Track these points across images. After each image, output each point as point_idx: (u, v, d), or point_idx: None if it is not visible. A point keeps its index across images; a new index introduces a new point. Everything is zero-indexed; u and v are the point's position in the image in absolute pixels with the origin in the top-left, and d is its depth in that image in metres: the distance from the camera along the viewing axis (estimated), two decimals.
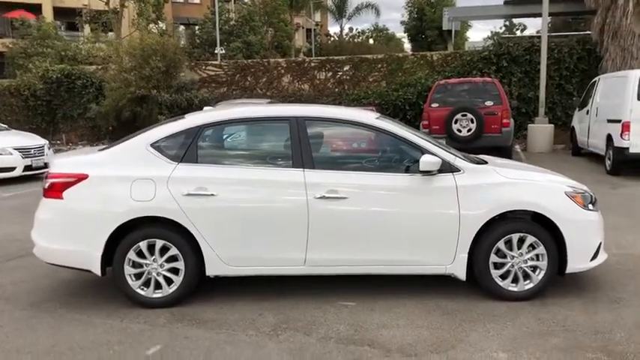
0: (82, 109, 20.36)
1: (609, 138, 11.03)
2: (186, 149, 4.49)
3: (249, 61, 21.03)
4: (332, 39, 57.35)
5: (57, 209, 4.44)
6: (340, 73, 19.18)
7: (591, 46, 16.65)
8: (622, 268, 5.21)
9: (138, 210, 4.35)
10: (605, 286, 4.77)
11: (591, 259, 4.55)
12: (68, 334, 4.02)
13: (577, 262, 4.49)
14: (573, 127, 14.26)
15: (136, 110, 18.29)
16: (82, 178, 4.41)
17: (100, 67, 21.16)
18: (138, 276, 4.45)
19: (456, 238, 4.40)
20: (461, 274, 4.48)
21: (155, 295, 4.46)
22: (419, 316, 4.23)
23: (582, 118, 13.32)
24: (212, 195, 4.36)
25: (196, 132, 4.53)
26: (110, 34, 32.49)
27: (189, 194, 4.35)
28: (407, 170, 4.50)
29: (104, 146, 5.01)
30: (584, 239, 4.50)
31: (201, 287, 4.65)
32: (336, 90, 19.09)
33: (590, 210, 4.56)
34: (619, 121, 10.55)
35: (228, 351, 3.70)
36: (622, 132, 10.43)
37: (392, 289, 4.72)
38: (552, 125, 15.51)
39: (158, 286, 4.46)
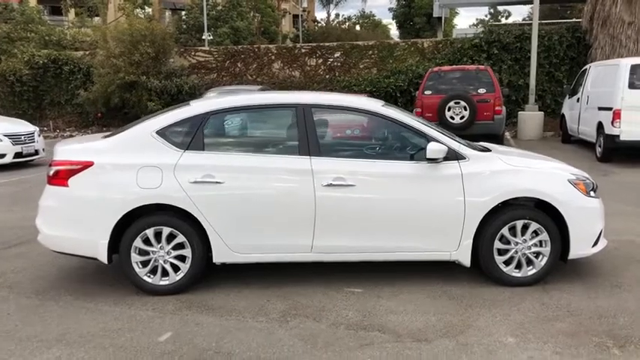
0: (69, 95, 20.12)
1: (600, 125, 11.15)
2: (193, 136, 4.48)
3: (240, 47, 20.87)
4: (319, 25, 57.09)
5: (62, 197, 4.42)
6: (331, 60, 19.13)
7: (581, 34, 16.76)
8: (619, 254, 5.30)
9: (145, 197, 4.34)
10: (605, 272, 4.86)
11: (593, 246, 4.63)
12: (77, 321, 4.01)
13: (579, 248, 4.56)
14: (563, 114, 14.39)
15: (125, 96, 18.13)
16: (87, 165, 4.38)
17: (87, 52, 20.88)
18: (144, 263, 4.45)
19: (461, 224, 4.45)
20: (465, 260, 4.53)
21: (162, 283, 4.47)
22: (425, 301, 4.29)
23: (573, 106, 13.44)
24: (219, 182, 4.36)
25: (202, 119, 4.52)
26: (96, 18, 32.05)
27: (196, 182, 4.35)
28: (413, 158, 4.53)
29: (108, 133, 4.98)
30: (587, 226, 4.57)
31: (206, 275, 4.66)
32: (327, 77, 19.05)
33: (592, 197, 4.63)
34: (610, 108, 10.66)
35: (240, 337, 3.73)
36: (613, 119, 10.55)
37: (397, 275, 4.77)
38: (542, 113, 15.63)
39: (165, 273, 4.47)
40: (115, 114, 19.03)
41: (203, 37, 32.31)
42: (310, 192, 4.38)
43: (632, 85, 10.45)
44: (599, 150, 11.21)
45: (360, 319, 3.99)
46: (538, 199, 4.51)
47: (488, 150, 4.87)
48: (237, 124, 4.79)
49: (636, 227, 6.21)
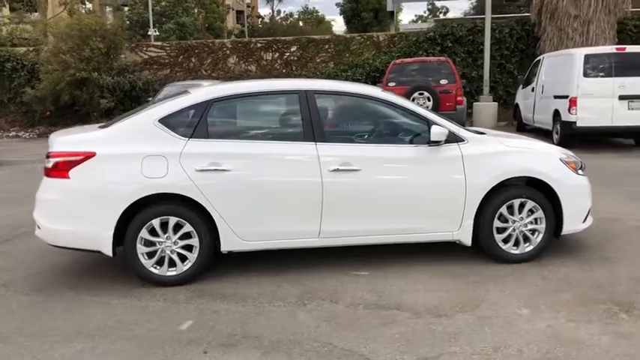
0: (12, 94, 19.26)
1: (557, 113, 11.64)
2: (196, 124, 4.42)
3: (194, 42, 20.58)
4: (263, 21, 56.74)
5: (63, 189, 4.28)
6: (287, 54, 19.13)
7: (530, 26, 17.40)
8: (599, 231, 5.57)
9: (150, 187, 4.26)
10: (591, 247, 5.12)
11: (583, 221, 4.87)
12: (88, 315, 3.91)
13: (572, 224, 4.79)
14: (517, 104, 14.92)
15: (76, 94, 17.52)
16: (89, 156, 4.26)
17: (31, 48, 20.04)
18: (150, 255, 4.37)
19: (462, 205, 4.59)
20: (467, 240, 4.68)
21: (169, 274, 4.40)
22: (432, 281, 4.40)
23: (527, 95, 13.96)
24: (226, 170, 4.33)
25: (205, 107, 4.47)
26: (35, 14, 30.74)
27: (202, 170, 4.30)
28: (414, 141, 4.63)
29: (104, 123, 4.85)
30: (578, 202, 4.80)
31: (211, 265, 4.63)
32: (284, 71, 19.04)
33: (581, 175, 4.87)
34: (567, 96, 11.15)
35: (262, 322, 3.73)
36: (570, 107, 11.04)
37: (399, 257, 4.87)
38: (496, 103, 16.15)
39: (172, 264, 4.40)
40: (63, 112, 18.35)
41: (149, 33, 31.60)
42: (317, 178, 4.41)
43: (586, 74, 10.97)
44: (556, 137, 11.69)
45: (376, 300, 4.06)
46: (534, 177, 4.69)
47: (483, 133, 5.03)
48: (239, 111, 4.76)
49: (607, 206, 6.54)
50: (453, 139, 4.60)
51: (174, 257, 4.39)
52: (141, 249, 4.33)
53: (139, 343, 3.46)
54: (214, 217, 4.35)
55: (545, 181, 4.68)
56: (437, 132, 4.47)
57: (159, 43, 20.70)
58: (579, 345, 3.31)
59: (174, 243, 4.37)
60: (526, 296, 4.05)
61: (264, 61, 19.29)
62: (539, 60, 13.56)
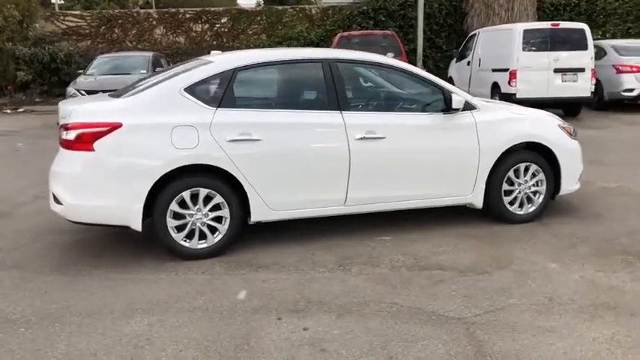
0: None
1: (495, 85, 12.28)
2: (223, 93, 4.33)
3: (116, 11, 19.53)
4: None
5: (88, 162, 4.05)
6: (218, 26, 18.67)
7: (457, 2, 18.06)
8: (579, 192, 5.94)
9: (182, 158, 4.14)
10: (580, 207, 5.53)
11: (576, 183, 5.28)
12: (134, 291, 3.77)
13: (568, 184, 5.18)
14: (451, 77, 15.53)
15: None
16: (115, 126, 4.05)
17: None
18: (179, 228, 4.26)
19: (476, 170, 4.83)
20: (479, 203, 4.94)
21: (200, 246, 4.32)
22: (456, 242, 4.62)
23: (461, 69, 14.56)
24: (257, 140, 4.28)
25: (231, 75, 4.37)
26: None
27: (233, 140, 4.23)
28: (433, 109, 4.79)
29: (115, 92, 4.61)
30: (573, 165, 5.18)
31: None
32: (214, 43, 18.59)
33: (574, 139, 5.26)
34: (506, 69, 11.78)
35: (317, 288, 3.78)
36: (509, 79, 11.68)
37: (416, 222, 5.04)
38: None
39: (201, 236, 4.32)
40: None
41: (52, 1, 29.53)
42: (344, 146, 4.47)
43: (524, 48, 11.64)
44: None
45: (414, 262, 4.22)
46: (538, 142, 5.01)
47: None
48: (264, 79, 4.69)
49: None
50: (467, 107, 4.81)
51: (205, 229, 4.30)
52: (171, 222, 4.21)
53: (205, 315, 3.41)
54: (245, 188, 4.30)
55: (548, 145, 5.01)
56: (457, 99, 4.65)
57: (78, 12, 19.50)
58: (618, 291, 3.65)
59: (205, 215, 4.28)
60: (547, 252, 4.37)
61: (193, 32, 18.74)
62: (475, 35, 14.16)
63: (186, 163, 4.16)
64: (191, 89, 4.27)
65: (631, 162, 7.62)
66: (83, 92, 12.40)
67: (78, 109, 4.17)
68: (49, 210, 5.64)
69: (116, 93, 4.59)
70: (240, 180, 4.28)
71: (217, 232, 4.34)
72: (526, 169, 5.01)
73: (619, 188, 6.27)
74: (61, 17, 18.54)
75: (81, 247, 4.70)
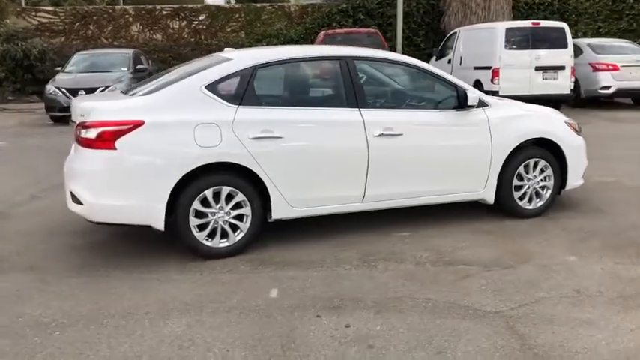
0: None
1: (478, 83, 12.44)
2: (244, 91, 4.29)
3: (91, 7, 19.12)
4: None
5: (109, 161, 3.97)
6: (196, 23, 18.46)
7: (435, 1, 18.25)
8: (579, 188, 6.01)
9: (205, 157, 4.10)
10: (580, 202, 5.64)
11: (581, 178, 5.41)
12: (163, 292, 3.72)
13: (574, 180, 5.31)
14: None
15: None
16: (137, 125, 3.99)
17: None
18: (201, 227, 4.21)
19: (489, 166, 4.91)
20: (490, 198, 5.02)
21: (222, 245, 4.28)
22: (473, 237, 4.69)
23: (442, 67, 14.62)
24: (278, 137, 4.27)
25: (251, 73, 4.34)
26: None
27: (256, 138, 4.20)
28: (447, 107, 4.85)
29: (128, 89, 4.52)
30: (579, 161, 5.31)
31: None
32: (192, 40, 18.38)
33: (580, 136, 5.39)
34: (489, 67, 11.99)
35: (348, 284, 3.79)
36: (492, 77, 11.89)
37: (430, 218, 5.07)
38: None
39: (223, 235, 4.28)
40: None
41: None
42: (364, 143, 4.49)
43: (507, 47, 11.86)
44: None
45: (437, 257, 4.27)
46: (547, 139, 5.11)
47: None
48: (283, 77, 4.68)
49: None
50: (480, 103, 4.88)
51: (227, 228, 4.27)
52: (193, 221, 4.16)
53: (243, 314, 3.38)
54: (267, 185, 4.29)
55: (556, 141, 5.13)
56: (473, 97, 4.73)
57: (51, 8, 19.03)
58: None
59: (227, 213, 4.25)
60: (562, 246, 4.47)
61: (170, 29, 18.48)
62: (455, 33, 14.34)
63: (210, 161, 4.12)
64: (212, 87, 4.23)
65: (620, 157, 7.83)
66: (64, 90, 12.18)
67: (98, 107, 4.09)
68: (49, 210, 5.57)
69: (126, 90, 4.51)
70: (261, 177, 4.26)
71: (239, 231, 4.31)
72: (535, 165, 5.12)
73: (614, 183, 6.44)
74: (33, 13, 18.06)
75: (92, 248, 4.61)
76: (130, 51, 14.42)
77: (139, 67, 13.90)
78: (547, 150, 5.16)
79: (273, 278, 3.92)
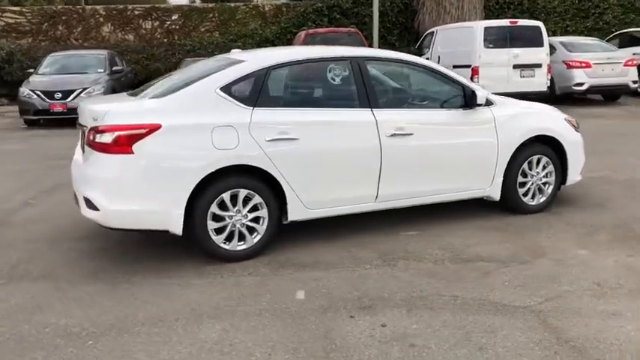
0: None
1: None
2: (259, 93, 4.27)
3: (60, 7, 18.63)
4: None
5: (127, 166, 3.90)
6: (169, 23, 18.21)
7: (408, 0, 18.43)
8: (571, 185, 6.18)
9: (223, 159, 4.06)
10: (579, 197, 5.77)
11: (579, 173, 5.55)
12: (188, 297, 3.67)
13: (573, 175, 5.44)
14: None
15: None
16: (154, 128, 3.92)
17: None
18: (218, 230, 4.17)
19: (495, 163, 5.00)
20: (496, 195, 5.11)
21: (239, 248, 4.25)
22: (483, 234, 4.76)
23: None
24: (295, 139, 4.26)
25: (265, 74, 4.32)
26: None
27: (272, 139, 4.19)
28: (455, 106, 4.91)
29: (133, 92, 4.45)
30: (578, 157, 5.45)
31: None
32: (165, 40, 18.12)
33: (578, 132, 5.53)
34: (468, 66, 12.18)
35: (372, 284, 3.81)
36: (472, 75, 12.07)
37: (436, 216, 5.14)
38: None
39: (240, 238, 4.25)
40: None
41: None
42: (377, 143, 4.52)
43: (486, 45, 12.06)
44: None
45: (453, 255, 4.32)
46: (549, 136, 5.22)
47: None
48: (295, 78, 4.67)
49: None
50: (486, 102, 4.96)
51: (244, 231, 4.24)
52: (211, 224, 4.12)
53: (275, 317, 3.36)
54: (284, 187, 4.27)
55: (558, 138, 5.25)
56: (481, 95, 4.80)
57: (17, 8, 18.50)
58: None
59: (245, 216, 4.22)
60: (571, 240, 4.58)
61: (143, 30, 18.17)
62: (433, 32, 14.51)
63: (228, 164, 4.08)
64: (227, 88, 4.19)
65: (604, 151, 8.05)
66: (39, 93, 11.88)
67: (114, 111, 4.00)
68: (47, 216, 5.46)
69: (132, 93, 4.45)
70: (278, 179, 4.24)
71: (256, 233, 4.29)
72: (538, 162, 5.23)
73: (605, 177, 6.61)
74: None
75: (101, 253, 4.51)
76: (105, 52, 14.13)
77: (115, 68, 13.65)
78: (549, 147, 5.27)
79: (296, 280, 3.91)
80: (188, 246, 4.33)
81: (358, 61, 4.60)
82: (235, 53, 5.11)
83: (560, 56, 13.61)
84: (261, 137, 4.15)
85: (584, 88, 13.29)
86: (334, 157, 4.41)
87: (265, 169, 4.19)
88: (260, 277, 3.99)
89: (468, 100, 4.85)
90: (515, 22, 12.56)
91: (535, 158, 5.20)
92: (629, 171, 6.83)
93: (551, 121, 5.32)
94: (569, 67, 13.35)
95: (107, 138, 3.89)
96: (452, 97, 4.95)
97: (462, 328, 3.18)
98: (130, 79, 15.15)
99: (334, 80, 4.70)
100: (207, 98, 4.14)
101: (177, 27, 18.19)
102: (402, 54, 5.06)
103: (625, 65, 13.36)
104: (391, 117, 4.60)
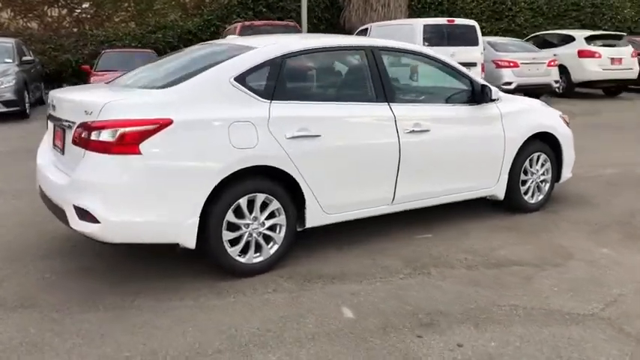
0: None
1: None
2: (275, 84, 3.77)
3: None
4: None
5: (133, 169, 3.26)
6: (79, 11, 16.77)
7: None
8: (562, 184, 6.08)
9: (242, 160, 3.53)
10: (570, 195, 5.69)
11: (571, 170, 5.53)
12: (216, 321, 3.12)
13: (567, 171, 5.40)
14: None
15: None
16: (165, 124, 3.32)
17: None
18: (233, 241, 3.64)
19: (502, 161, 4.82)
20: (501, 194, 4.94)
21: (255, 260, 3.73)
22: (499, 236, 4.54)
23: None
24: (316, 136, 3.81)
25: (280, 63, 3.82)
26: None
27: (293, 137, 3.71)
28: (465, 101, 4.67)
29: (127, 79, 3.80)
30: (571, 153, 5.40)
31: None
32: (75, 30, 16.66)
33: (569, 128, 5.50)
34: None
35: (416, 296, 3.46)
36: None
37: (444, 218, 4.86)
38: None
39: (257, 249, 3.74)
40: None
41: None
42: (395, 140, 4.18)
43: (425, 43, 12.06)
44: None
45: (481, 259, 4.06)
46: (548, 132, 5.12)
47: None
48: (310, 68, 4.19)
49: None
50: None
51: (261, 240, 3.73)
52: (226, 235, 3.58)
53: (334, 341, 2.92)
54: (303, 190, 3.81)
55: (556, 135, 5.17)
56: (495, 91, 4.59)
57: None
58: None
59: (262, 224, 3.71)
60: (588, 240, 4.47)
61: (48, 17, 16.59)
62: (366, 29, 14.35)
63: (247, 165, 3.55)
64: (241, 79, 3.66)
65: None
66: None
67: (114, 103, 3.33)
68: (18, 229, 4.67)
69: (114, 82, 3.81)
70: (298, 181, 3.77)
71: (272, 243, 3.79)
72: (537, 159, 5.12)
73: (586, 173, 6.47)
74: None
75: (84, 273, 3.82)
76: (12, 40, 12.66)
77: (25, 58, 12.28)
78: (546, 143, 5.18)
79: (330, 295, 3.47)
80: (184, 259, 3.76)
81: (374, 52, 4.22)
82: (232, 39, 4.54)
83: (490, 56, 13.93)
84: (281, 134, 3.66)
85: (512, 87, 13.66)
86: (356, 156, 4.01)
87: (286, 170, 3.70)
88: (287, 293, 3.50)
89: (479, 95, 4.63)
90: (453, 21, 12.70)
91: (535, 156, 5.08)
92: (600, 169, 6.89)
93: (550, 118, 5.23)
94: (498, 66, 13.71)
95: (108, 136, 3.23)
96: (462, 91, 4.70)
97: (544, 343, 2.91)
98: (40, 71, 13.76)
99: (351, 72, 4.30)
100: (221, 90, 3.58)
101: (89, 16, 16.78)
102: (420, 47, 4.75)
103: (548, 65, 13.95)
104: (408, 112, 4.27)
